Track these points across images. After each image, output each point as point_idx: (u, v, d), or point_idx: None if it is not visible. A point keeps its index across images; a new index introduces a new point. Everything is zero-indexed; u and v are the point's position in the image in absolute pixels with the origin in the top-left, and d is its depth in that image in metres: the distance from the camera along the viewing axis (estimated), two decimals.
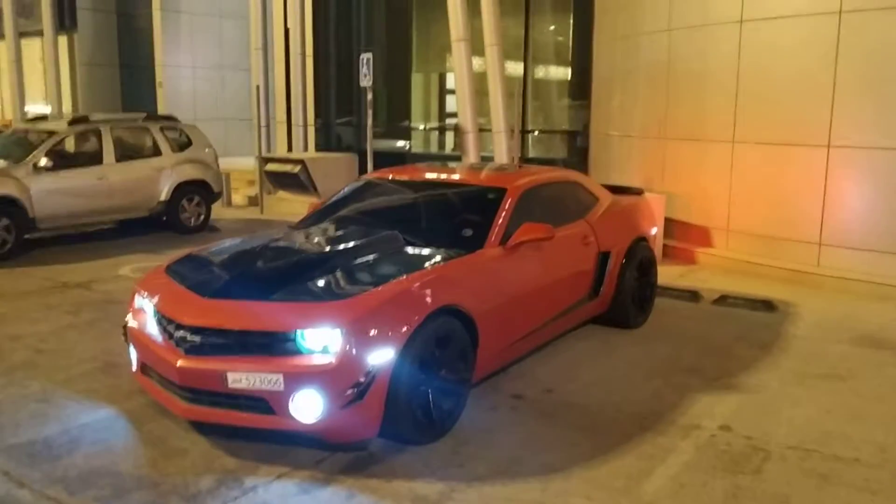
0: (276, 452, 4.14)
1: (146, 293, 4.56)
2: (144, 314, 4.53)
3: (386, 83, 14.66)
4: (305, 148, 14.71)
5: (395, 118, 14.90)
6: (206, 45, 19.94)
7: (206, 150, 11.48)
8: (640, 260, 6.49)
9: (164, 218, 10.94)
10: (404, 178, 5.95)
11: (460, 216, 5.35)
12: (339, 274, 4.39)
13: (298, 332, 3.87)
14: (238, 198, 14.64)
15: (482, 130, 11.93)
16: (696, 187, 9.39)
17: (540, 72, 13.31)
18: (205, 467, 4.00)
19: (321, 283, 4.26)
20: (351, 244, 4.96)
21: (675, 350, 5.98)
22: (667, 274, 8.31)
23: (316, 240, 5.19)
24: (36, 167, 9.45)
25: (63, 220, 9.83)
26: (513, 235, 5.01)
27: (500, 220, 5.12)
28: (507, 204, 5.26)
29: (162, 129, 11.02)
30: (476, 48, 11.64)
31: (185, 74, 19.60)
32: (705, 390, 5.13)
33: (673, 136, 9.67)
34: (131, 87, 20.67)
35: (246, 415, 3.96)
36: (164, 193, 10.79)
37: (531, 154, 13.13)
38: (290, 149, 14.95)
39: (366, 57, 11.42)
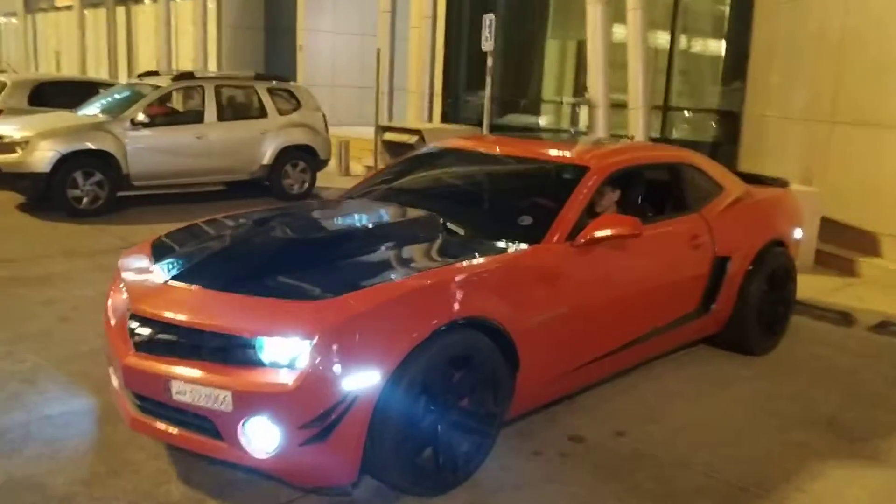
0: (236, 483, 3.25)
1: (125, 266, 3.77)
2: (119, 293, 3.75)
3: (517, 51, 13.48)
4: (429, 119, 13.85)
5: (525, 90, 13.69)
6: (349, 10, 19.48)
7: (316, 113, 10.84)
8: (774, 269, 5.07)
9: (266, 183, 10.42)
10: (477, 148, 4.83)
11: (524, 199, 4.21)
12: (336, 265, 3.40)
13: (259, 338, 2.94)
14: (358, 167, 14.04)
15: (617, 106, 10.56)
16: (866, 182, 7.65)
17: (690, 42, 11.66)
18: (144, 494, 3.18)
19: (306, 275, 3.29)
20: (372, 226, 3.97)
21: (808, 391, 4.57)
22: (816, 287, 6.73)
23: (336, 217, 4.23)
24: (133, 123, 9.12)
25: (158, 178, 9.48)
26: (584, 229, 3.82)
27: (571, 209, 3.93)
28: (585, 187, 4.06)
29: (270, 90, 10.47)
30: (617, 13, 10.25)
31: (325, 39, 19.25)
32: (841, 457, 3.75)
33: (843, 120, 7.94)
34: (273, 51, 20.64)
35: (193, 436, 3.08)
36: (266, 157, 10.24)
37: (674, 135, 11.58)
38: (428, 119, 14.12)
39: (488, 18, 10.34)
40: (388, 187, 4.67)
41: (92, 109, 9.70)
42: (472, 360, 3.27)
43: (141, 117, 9.16)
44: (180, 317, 3.10)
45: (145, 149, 9.21)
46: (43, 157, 8.52)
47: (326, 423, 2.86)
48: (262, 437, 2.92)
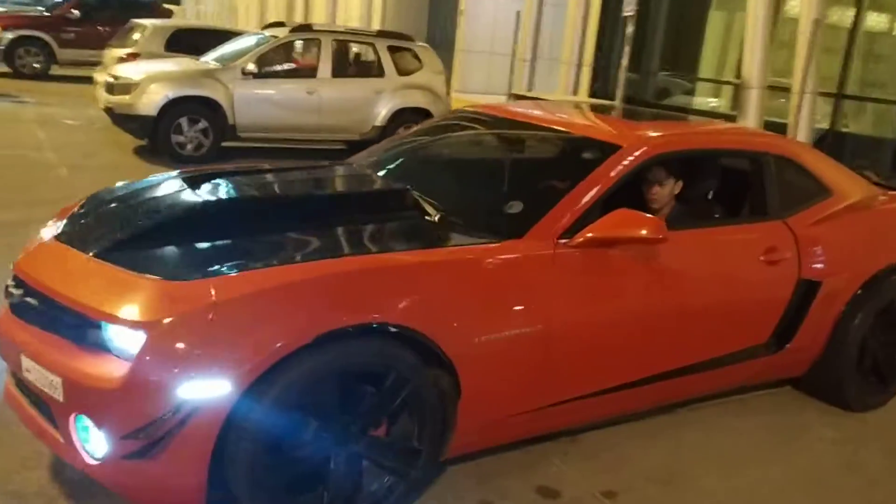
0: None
1: (56, 221, 3.33)
2: None
3: (675, 22, 12.11)
4: (574, 91, 12.82)
5: (682, 66, 12.32)
6: None
7: (437, 76, 10.23)
8: (892, 303, 3.87)
9: None
10: (503, 116, 3.97)
11: (527, 181, 3.36)
12: (240, 239, 2.74)
13: (102, 320, 2.37)
14: None
15: (779, 89, 9.13)
16: None
17: (878, 20, 9.86)
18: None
19: (192, 248, 2.67)
20: (320, 198, 3.31)
21: None
22: None
23: (289, 184, 3.57)
24: (243, 72, 8.94)
25: (264, 131, 9.26)
26: (587, 227, 2.93)
27: (577, 197, 3.04)
28: (608, 170, 3.14)
29: (390, 48, 9.96)
30: None
31: (487, 5, 18.50)
32: None
33: None
34: (436, 14, 20.19)
35: (41, 423, 2.59)
36: (380, 118, 9.77)
37: (848, 128, 9.91)
38: (573, 91, 13.13)
39: None
40: (393, 154, 3.95)
41: (212, 57, 9.65)
42: (386, 379, 2.53)
43: (250, 67, 8.96)
44: (41, 281, 2.60)
45: (253, 100, 9.01)
46: (150, 100, 8.53)
47: (154, 437, 2.26)
48: (91, 439, 2.38)
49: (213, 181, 3.27)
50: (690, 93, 12.30)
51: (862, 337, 3.79)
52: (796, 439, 3.64)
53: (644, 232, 2.90)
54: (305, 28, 9.77)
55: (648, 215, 2.96)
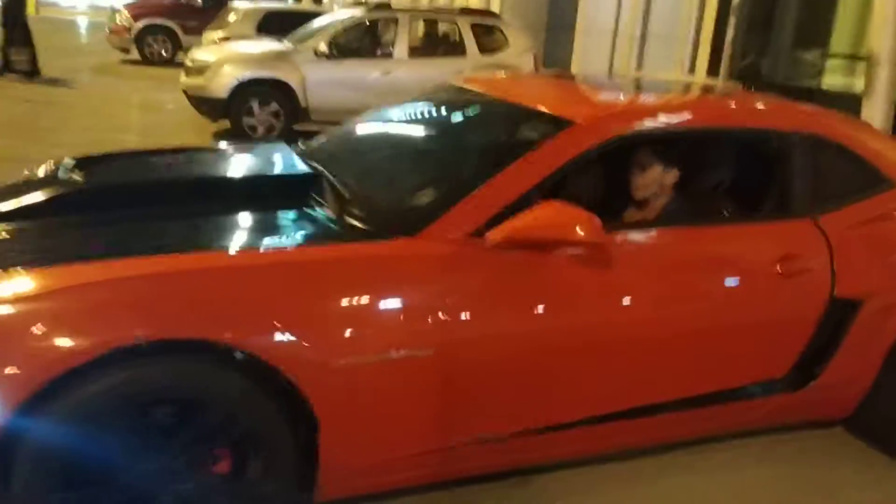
0: None
1: None
2: None
3: None
4: (690, 71, 11.73)
5: (815, 42, 10.92)
6: None
7: (524, 55, 9.56)
8: None
9: None
10: (482, 90, 3.33)
11: (457, 164, 2.74)
12: (53, 231, 2.35)
13: None
14: None
15: None
16: None
17: None
18: None
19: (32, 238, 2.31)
20: (208, 182, 2.87)
21: None
22: None
23: (188, 166, 3.14)
24: (316, 53, 8.67)
25: (337, 114, 8.95)
26: (503, 224, 2.31)
27: (499, 185, 2.41)
28: (548, 153, 2.49)
29: (473, 26, 9.39)
30: None
31: None
32: None
33: None
34: None
35: None
36: None
37: None
38: (690, 71, 12.02)
39: None
40: (342, 134, 3.44)
41: (295, 39, 9.46)
42: (204, 408, 2.06)
43: (323, 48, 8.68)
44: None
45: (326, 82, 8.72)
46: (221, 82, 8.43)
47: None
48: None
49: (94, 164, 2.90)
50: (825, 72, 10.91)
51: None
52: (824, 491, 2.84)
53: (580, 232, 2.26)
54: (383, 6, 9.37)
55: (584, 211, 2.30)
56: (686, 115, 2.85)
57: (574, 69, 15.02)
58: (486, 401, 2.36)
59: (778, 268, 2.69)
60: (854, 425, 3.16)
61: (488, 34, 9.48)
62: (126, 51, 16.32)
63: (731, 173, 3.05)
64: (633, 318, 2.48)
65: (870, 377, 2.92)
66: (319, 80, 8.67)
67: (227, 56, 8.66)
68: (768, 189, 2.90)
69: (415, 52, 9.11)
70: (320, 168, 2.85)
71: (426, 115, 3.22)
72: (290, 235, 2.40)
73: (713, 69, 11.84)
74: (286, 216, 2.53)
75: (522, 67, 9.51)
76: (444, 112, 3.18)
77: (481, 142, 2.81)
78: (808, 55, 10.95)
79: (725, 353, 2.71)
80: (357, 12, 9.29)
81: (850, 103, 9.81)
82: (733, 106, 3.07)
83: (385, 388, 2.22)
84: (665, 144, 2.87)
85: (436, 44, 9.57)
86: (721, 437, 3.07)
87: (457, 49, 9.33)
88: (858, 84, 10.37)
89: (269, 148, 3.40)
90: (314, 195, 2.69)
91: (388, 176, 2.83)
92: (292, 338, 2.07)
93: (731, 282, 2.65)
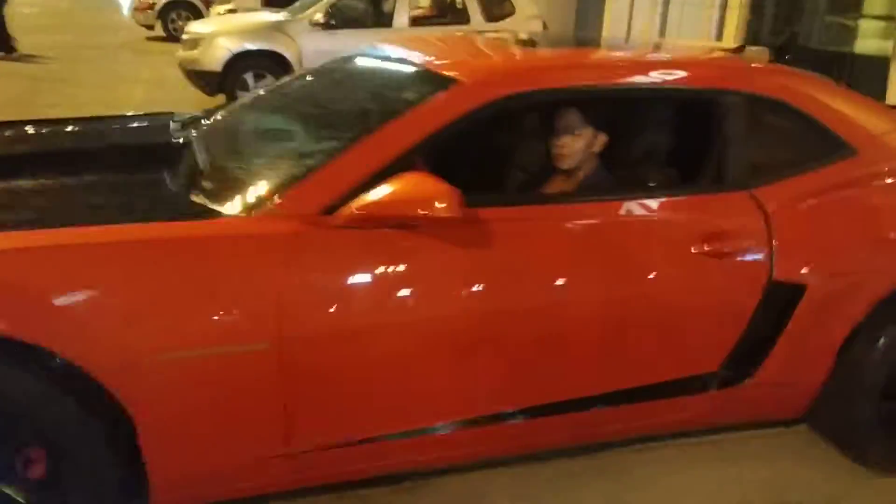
0: None
1: None
2: None
3: None
4: (718, 37, 11.13)
5: (841, 4, 10.23)
6: None
7: (531, 21, 9.13)
8: None
9: None
10: (387, 53, 2.94)
11: (333, 134, 2.41)
12: None
13: None
14: None
15: None
16: None
17: None
18: None
19: None
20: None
21: None
22: None
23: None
24: (311, 23, 8.40)
25: None
26: (357, 199, 2.01)
27: (360, 156, 2.11)
28: (422, 117, 2.18)
29: None
30: None
31: None
32: None
33: None
34: None
35: None
36: None
37: None
38: (717, 37, 11.37)
39: None
40: (246, 102, 3.15)
41: (293, 9, 9.19)
42: (3, 406, 1.82)
43: (319, 18, 8.40)
44: None
45: (323, 53, 8.36)
46: (215, 55, 8.24)
47: None
48: None
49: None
50: (859, 36, 10.21)
51: (881, 373, 2.53)
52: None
53: (440, 206, 1.94)
54: None
55: (444, 184, 1.98)
56: (598, 73, 2.47)
57: (605, 33, 14.42)
58: (335, 401, 2.07)
59: (704, 247, 2.33)
60: (815, 424, 2.80)
61: (496, 1, 9.07)
62: (151, 27, 16.28)
63: (667, 139, 2.69)
64: (516, 305, 2.15)
65: (821, 374, 2.55)
66: (316, 51, 8.37)
67: (221, 28, 8.44)
68: (702, 157, 2.53)
69: (416, 21, 8.77)
70: (192, 140, 2.58)
71: (318, 84, 2.89)
72: (117, 212, 2.13)
73: (745, 35, 11.23)
74: (131, 190, 2.27)
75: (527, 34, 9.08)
76: (335, 79, 2.86)
77: (359, 109, 2.49)
78: (843, 18, 10.27)
79: (640, 346, 2.36)
80: None
81: (883, 68, 9.17)
82: (658, 63, 2.68)
83: (214, 387, 1.95)
84: (588, 106, 2.52)
85: (438, 11, 9.20)
86: (661, 437, 2.75)
87: (461, 17, 8.95)
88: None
89: (165, 119, 3.11)
90: (176, 168, 2.42)
91: (252, 148, 2.53)
92: (92, 330, 1.81)
93: (644, 264, 2.30)
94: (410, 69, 2.50)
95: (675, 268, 2.33)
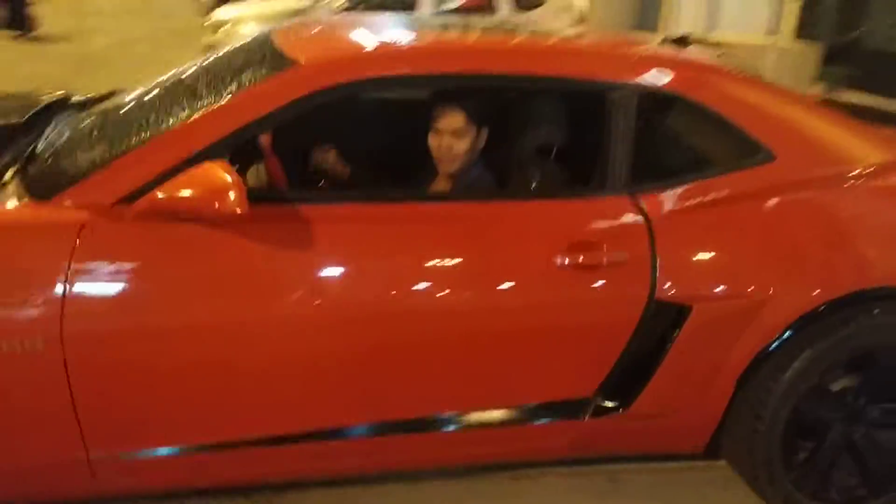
0: None
1: None
2: None
3: None
4: (775, 30, 10.53)
5: None
6: None
7: (564, 14, 8.78)
8: (869, 356, 2.22)
9: None
10: (270, 38, 2.55)
11: (165, 118, 2.20)
12: None
13: None
14: None
15: None
16: None
17: None
18: None
19: None
20: None
21: None
22: None
23: None
24: (335, 10, 8.28)
25: None
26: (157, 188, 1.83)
27: (169, 143, 1.93)
28: (247, 103, 1.98)
29: None
30: None
31: None
32: None
33: None
34: None
35: None
36: None
37: None
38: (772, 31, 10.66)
39: None
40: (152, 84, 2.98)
41: None
42: None
43: (342, 2, 8.27)
44: None
45: None
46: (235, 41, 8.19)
47: None
48: None
49: None
50: None
51: (785, 409, 2.21)
52: None
53: (226, 201, 1.75)
54: None
55: (233, 177, 1.78)
56: (461, 61, 2.20)
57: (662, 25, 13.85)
58: (127, 406, 1.90)
59: (573, 258, 2.06)
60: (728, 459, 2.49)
61: None
62: (209, 14, 16.49)
63: (554, 136, 2.42)
64: (329, 313, 1.93)
65: (717, 405, 2.25)
66: None
67: (244, 14, 8.41)
68: (583, 157, 2.25)
69: (440, 7, 8.53)
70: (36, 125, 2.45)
71: (191, 72, 2.70)
72: None
73: (803, 30, 10.58)
74: None
75: (555, 24, 8.75)
76: (205, 66, 2.66)
77: (199, 95, 2.29)
78: None
79: (500, 364, 2.11)
80: None
81: None
82: (536, 51, 2.38)
83: None
84: (452, 96, 2.28)
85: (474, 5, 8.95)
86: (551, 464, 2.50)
87: (488, 4, 8.68)
88: None
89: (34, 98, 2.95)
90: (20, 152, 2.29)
91: (79, 136, 2.35)
92: None
93: (501, 274, 2.05)
94: (267, 52, 2.29)
95: (539, 279, 2.06)
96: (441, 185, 2.47)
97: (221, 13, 8.78)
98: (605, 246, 2.08)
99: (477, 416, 2.15)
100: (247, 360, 1.91)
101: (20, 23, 11.56)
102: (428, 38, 2.43)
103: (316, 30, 2.63)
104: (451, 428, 2.14)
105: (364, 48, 2.16)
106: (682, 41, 2.69)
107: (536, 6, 8.73)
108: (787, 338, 2.16)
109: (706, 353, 2.17)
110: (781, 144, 2.27)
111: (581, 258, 2.06)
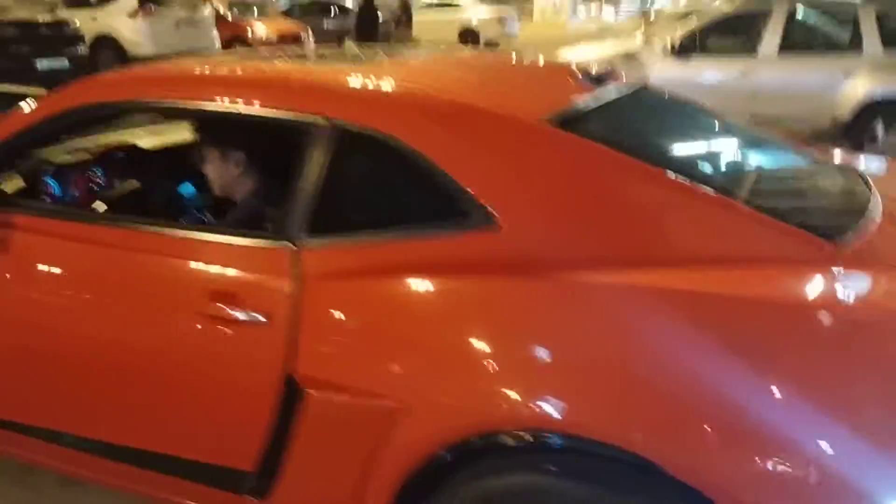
0: None
1: None
2: None
3: None
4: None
5: None
6: None
7: None
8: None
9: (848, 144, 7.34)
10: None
11: None
12: None
13: None
14: None
15: None
16: None
17: None
18: None
19: None
20: None
21: None
22: None
23: None
24: (670, 51, 7.79)
25: None
26: None
27: None
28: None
29: (880, 16, 7.10)
30: None
31: None
32: None
33: None
34: None
35: None
36: (842, 108, 7.15)
37: None
38: None
39: None
40: None
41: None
42: None
43: (675, 42, 7.74)
44: None
45: (676, 84, 7.78)
46: None
47: None
48: None
49: None
50: None
51: None
52: None
53: None
54: None
55: None
56: (176, 89, 2.07)
57: None
58: None
59: (212, 307, 1.83)
60: None
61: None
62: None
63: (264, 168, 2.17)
64: None
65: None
66: (671, 81, 7.77)
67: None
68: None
69: (789, 45, 7.39)
70: None
71: None
72: None
73: None
74: None
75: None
76: None
77: None
78: None
79: (151, 405, 1.99)
80: (724, 5, 7.98)
81: None
82: (239, 81, 2.07)
83: None
84: (218, 125, 2.20)
85: (821, 36, 7.56)
86: None
87: (849, 42, 7.24)
88: None
89: None
90: None
91: None
92: None
93: (135, 305, 1.94)
94: None
95: (175, 324, 1.90)
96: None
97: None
98: (246, 300, 1.81)
99: (149, 455, 2.04)
100: None
101: None
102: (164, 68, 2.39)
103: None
104: (128, 458, 2.07)
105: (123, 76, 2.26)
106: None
107: None
108: (464, 457, 1.59)
109: (355, 447, 1.71)
110: (510, 212, 1.67)
111: (217, 310, 1.83)
